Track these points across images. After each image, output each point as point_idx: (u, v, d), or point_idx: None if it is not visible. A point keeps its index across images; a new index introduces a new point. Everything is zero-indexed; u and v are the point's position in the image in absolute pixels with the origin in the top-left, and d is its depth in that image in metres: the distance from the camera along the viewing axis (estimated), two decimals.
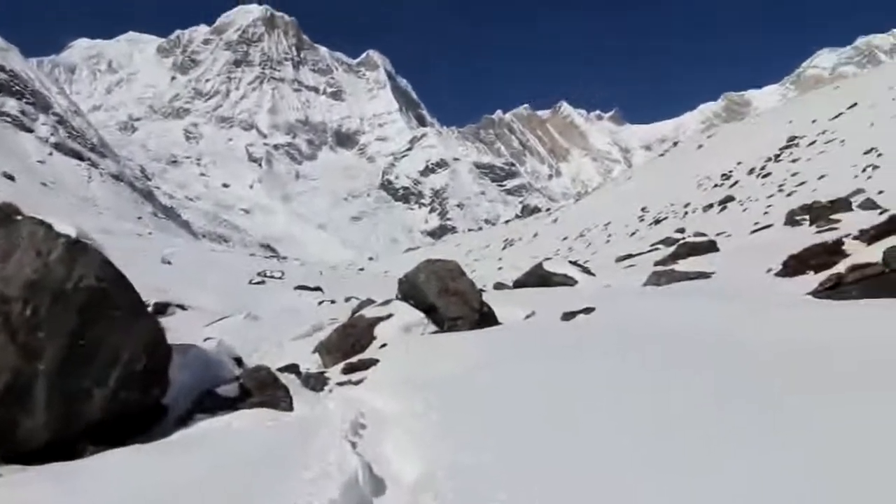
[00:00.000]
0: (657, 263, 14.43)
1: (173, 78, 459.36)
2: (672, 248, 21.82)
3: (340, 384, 7.27)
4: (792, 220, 16.00)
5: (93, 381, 5.76)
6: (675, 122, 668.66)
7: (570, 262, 14.71)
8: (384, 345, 8.42)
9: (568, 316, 8.00)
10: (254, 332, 14.36)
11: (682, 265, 12.23)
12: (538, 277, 13.90)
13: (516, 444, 4.08)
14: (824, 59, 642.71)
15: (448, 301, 9.07)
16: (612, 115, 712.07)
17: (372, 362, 7.59)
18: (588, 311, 7.98)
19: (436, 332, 8.81)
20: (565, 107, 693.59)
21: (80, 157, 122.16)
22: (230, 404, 6.11)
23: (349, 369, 7.67)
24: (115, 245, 39.83)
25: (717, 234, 23.40)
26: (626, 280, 12.86)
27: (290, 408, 6.20)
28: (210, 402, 6.15)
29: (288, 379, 6.88)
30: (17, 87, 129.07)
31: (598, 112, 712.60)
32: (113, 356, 5.83)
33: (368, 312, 9.50)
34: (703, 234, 24.67)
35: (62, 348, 5.50)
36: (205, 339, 11.33)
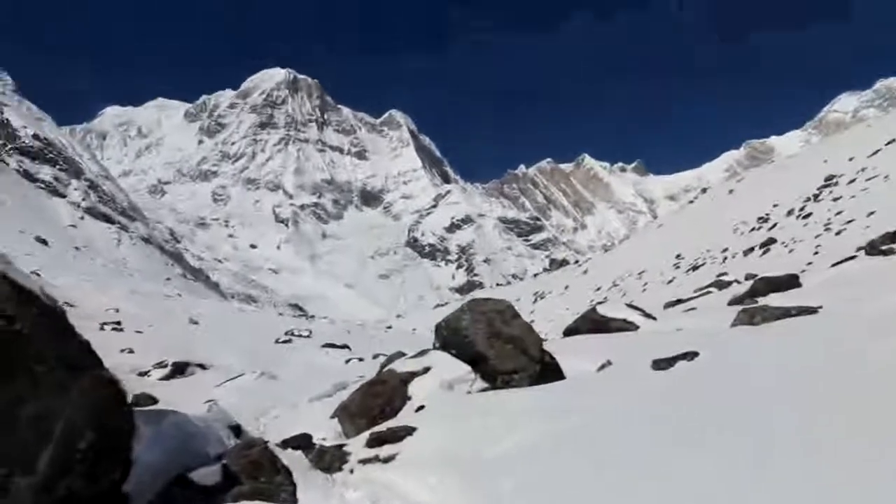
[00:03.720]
0: (733, 302, 12.45)
1: (200, 142, 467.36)
2: (729, 289, 19.86)
3: (364, 462, 5.41)
4: (877, 250, 14.08)
5: (11, 466, 4.00)
6: (697, 171, 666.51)
7: (627, 304, 12.81)
8: (421, 407, 6.52)
9: (662, 364, 6.08)
10: (269, 392, 12.54)
11: (766, 302, 10.38)
12: (592, 322, 12.01)
13: None
14: (845, 104, 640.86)
15: (500, 350, 7.17)
16: (635, 167, 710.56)
17: (406, 431, 5.71)
18: (690, 356, 6.07)
19: (486, 390, 6.91)
20: (588, 159, 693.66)
21: (110, 221, 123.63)
22: (208, 496, 4.30)
23: (376, 441, 5.77)
24: (145, 306, 39.18)
25: (758, 274, 21.34)
26: (700, 322, 10.97)
27: (292, 500, 4.40)
28: (181, 493, 4.34)
29: (292, 457, 5.04)
30: (51, 155, 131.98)
31: (620, 164, 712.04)
32: (40, 429, 4.07)
33: (400, 367, 7.59)
34: (755, 275, 22.65)
35: None
36: (205, 402, 9.62)
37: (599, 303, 15.34)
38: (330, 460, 5.55)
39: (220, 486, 4.41)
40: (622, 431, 4.36)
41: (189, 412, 6.47)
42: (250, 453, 4.66)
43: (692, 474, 3.35)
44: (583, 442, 4.30)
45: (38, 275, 44.93)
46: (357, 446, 5.90)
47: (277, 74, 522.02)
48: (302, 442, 6.38)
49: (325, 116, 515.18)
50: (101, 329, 26.26)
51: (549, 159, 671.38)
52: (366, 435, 6.09)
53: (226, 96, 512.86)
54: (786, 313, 8.22)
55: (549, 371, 7.20)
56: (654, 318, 12.25)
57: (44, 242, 73.38)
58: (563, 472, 3.83)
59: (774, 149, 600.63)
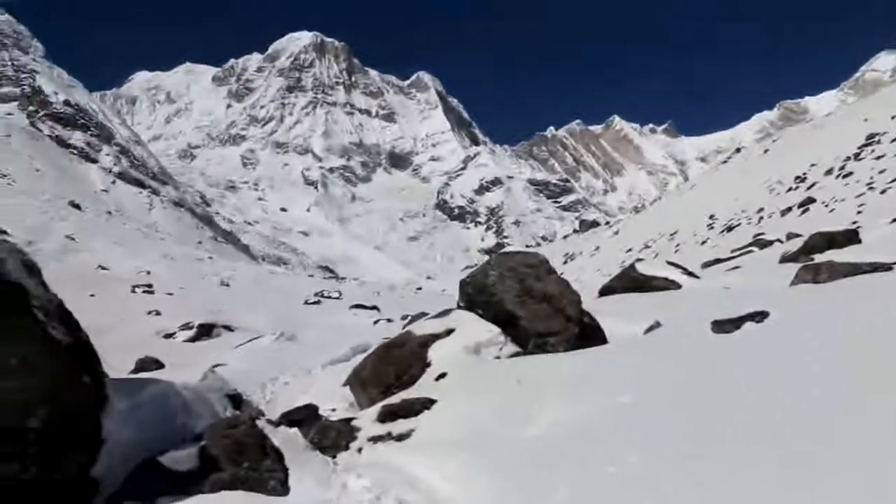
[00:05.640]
0: (785, 260, 11.47)
1: (229, 106, 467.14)
2: (771, 248, 18.89)
3: (375, 440, 4.60)
4: None
5: None
6: (730, 132, 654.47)
7: (668, 262, 11.89)
8: (443, 375, 5.65)
9: (726, 326, 5.18)
10: (285, 355, 11.80)
11: (825, 259, 9.41)
12: (631, 281, 11.12)
13: None
14: (883, 62, 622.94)
15: (533, 309, 6.28)
16: (666, 128, 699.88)
17: (424, 404, 4.88)
18: (758, 317, 5.16)
19: (517, 355, 6.04)
20: (618, 121, 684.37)
21: (141, 185, 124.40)
22: (180, 484, 3.52)
23: (389, 415, 4.93)
24: (176, 269, 39.23)
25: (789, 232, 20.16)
26: (749, 280, 10.04)
27: (282, 490, 3.60)
28: (145, 482, 3.56)
29: (287, 436, 4.21)
30: (83, 121, 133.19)
31: (651, 125, 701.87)
32: None
33: (420, 328, 6.72)
34: (796, 234, 21.59)
35: None
36: (213, 366, 8.93)
37: (638, 260, 14.43)
38: (335, 438, 4.74)
39: (195, 473, 3.62)
40: (696, 412, 3.48)
41: (188, 379, 5.75)
42: (234, 432, 3.85)
43: (792, 476, 2.50)
44: (649, 425, 3.43)
45: (72, 239, 45.03)
46: (367, 420, 5.07)
47: (304, 37, 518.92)
48: (305, 415, 5.58)
49: (353, 79, 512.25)
50: (133, 292, 26.14)
51: (578, 121, 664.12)
52: (378, 407, 5.27)
53: (253, 60, 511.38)
54: (855, 269, 7.25)
55: (589, 333, 6.32)
56: (698, 277, 11.34)
57: (77, 207, 73.61)
58: (629, 467, 2.96)
59: (809, 109, 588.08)
